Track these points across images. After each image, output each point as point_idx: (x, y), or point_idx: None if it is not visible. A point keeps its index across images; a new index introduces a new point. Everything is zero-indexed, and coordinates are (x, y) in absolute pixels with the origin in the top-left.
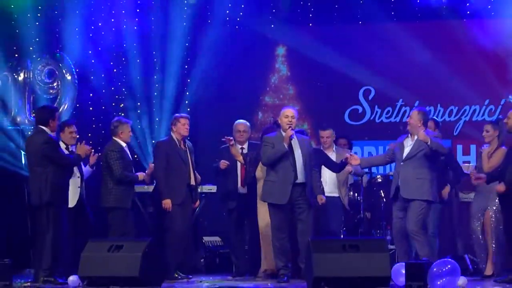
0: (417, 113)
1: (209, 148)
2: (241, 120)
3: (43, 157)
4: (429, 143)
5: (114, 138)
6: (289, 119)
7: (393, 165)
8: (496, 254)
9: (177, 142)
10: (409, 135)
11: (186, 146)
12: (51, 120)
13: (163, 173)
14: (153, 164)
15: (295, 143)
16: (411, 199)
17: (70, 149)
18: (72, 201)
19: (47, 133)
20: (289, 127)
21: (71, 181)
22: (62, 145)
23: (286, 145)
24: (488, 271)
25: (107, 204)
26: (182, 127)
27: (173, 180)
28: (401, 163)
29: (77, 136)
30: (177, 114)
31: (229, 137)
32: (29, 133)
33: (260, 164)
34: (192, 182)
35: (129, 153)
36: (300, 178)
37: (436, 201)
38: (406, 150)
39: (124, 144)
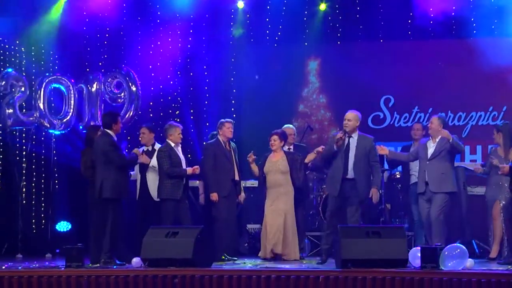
0: (437, 119)
1: (252, 148)
2: (290, 125)
3: (105, 158)
4: (451, 140)
5: (166, 139)
6: (345, 122)
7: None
8: (503, 239)
9: (223, 144)
10: (430, 137)
11: (231, 147)
12: (113, 123)
13: (211, 170)
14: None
15: (353, 142)
16: (437, 192)
17: (146, 149)
18: (135, 194)
19: (110, 136)
20: (344, 128)
21: (135, 177)
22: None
23: (335, 146)
24: (493, 254)
25: (160, 196)
26: (227, 130)
27: (220, 176)
28: (427, 162)
29: (148, 136)
30: (222, 120)
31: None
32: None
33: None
34: (236, 178)
35: (180, 152)
36: (350, 174)
37: (457, 191)
38: (430, 151)
39: (173, 144)
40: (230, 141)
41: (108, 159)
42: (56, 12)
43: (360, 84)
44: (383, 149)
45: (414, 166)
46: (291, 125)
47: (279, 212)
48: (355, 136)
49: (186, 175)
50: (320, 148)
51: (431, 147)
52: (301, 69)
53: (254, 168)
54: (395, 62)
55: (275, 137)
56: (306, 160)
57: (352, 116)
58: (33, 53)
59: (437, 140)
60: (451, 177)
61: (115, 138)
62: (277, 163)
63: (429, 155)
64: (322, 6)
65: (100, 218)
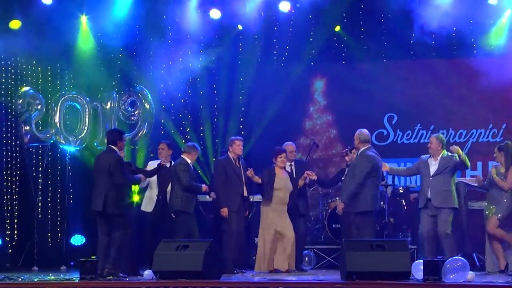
0: (436, 139)
1: (260, 165)
2: (290, 142)
3: (109, 172)
4: (462, 155)
5: (183, 155)
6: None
7: (412, 178)
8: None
9: (233, 160)
10: (431, 156)
11: (240, 163)
12: (119, 141)
13: (222, 186)
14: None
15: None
16: (441, 207)
17: (163, 163)
18: (149, 207)
19: (116, 152)
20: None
21: (150, 190)
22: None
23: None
24: (502, 266)
25: (174, 208)
26: (237, 148)
27: (230, 192)
28: (430, 179)
29: (166, 152)
30: (232, 137)
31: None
32: None
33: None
34: (245, 194)
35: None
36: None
37: (457, 207)
38: (433, 169)
39: (189, 161)
40: (240, 158)
41: (112, 175)
42: (73, 33)
43: (364, 102)
44: (384, 166)
45: None
46: (291, 142)
47: (289, 227)
48: (358, 152)
49: (201, 191)
50: (306, 174)
51: (433, 165)
52: (308, 88)
53: (257, 179)
54: (398, 81)
55: (284, 154)
56: (298, 186)
57: (355, 136)
58: (49, 73)
59: (439, 157)
60: (453, 194)
61: (120, 154)
62: (287, 182)
63: (431, 172)
64: (337, 28)
65: (106, 232)
